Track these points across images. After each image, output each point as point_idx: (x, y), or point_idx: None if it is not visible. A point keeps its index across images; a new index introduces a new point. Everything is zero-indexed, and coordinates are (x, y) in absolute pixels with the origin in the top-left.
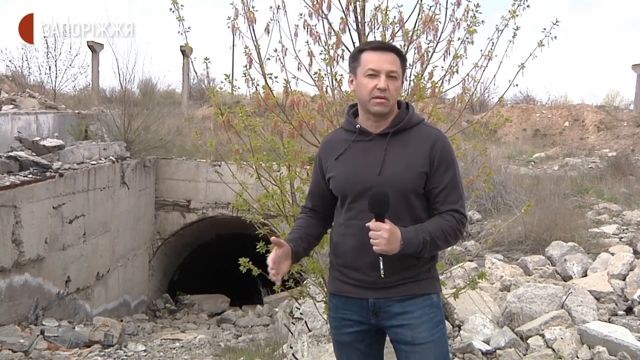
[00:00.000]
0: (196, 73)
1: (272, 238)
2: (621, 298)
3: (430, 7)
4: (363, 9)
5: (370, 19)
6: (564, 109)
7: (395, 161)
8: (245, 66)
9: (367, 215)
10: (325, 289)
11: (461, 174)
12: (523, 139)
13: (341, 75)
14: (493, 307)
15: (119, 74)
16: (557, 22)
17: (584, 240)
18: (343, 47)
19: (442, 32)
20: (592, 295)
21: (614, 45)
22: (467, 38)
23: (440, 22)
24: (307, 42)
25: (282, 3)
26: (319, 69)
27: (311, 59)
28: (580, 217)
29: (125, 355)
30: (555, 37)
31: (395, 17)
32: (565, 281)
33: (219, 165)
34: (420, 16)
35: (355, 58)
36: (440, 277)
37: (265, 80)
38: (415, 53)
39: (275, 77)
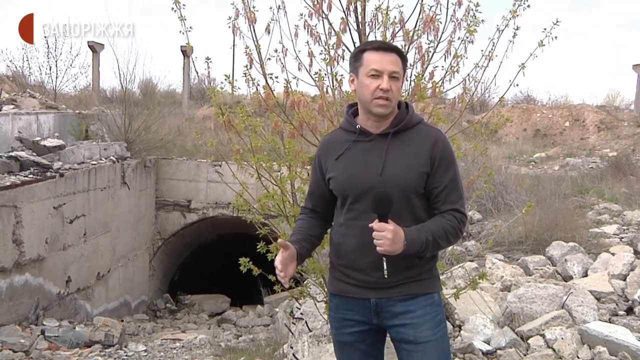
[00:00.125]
0: (197, 73)
1: (279, 240)
2: (622, 298)
3: (431, 7)
4: (364, 9)
5: (371, 19)
6: (564, 109)
7: (396, 161)
8: (246, 66)
9: (368, 215)
10: (326, 289)
11: (461, 174)
12: (523, 139)
13: (341, 75)
14: (493, 307)
15: (120, 74)
16: (557, 22)
17: (585, 241)
18: (343, 47)
19: (442, 33)
20: (593, 295)
21: (614, 45)
22: (468, 37)
23: (440, 23)
24: (308, 42)
25: (282, 3)
26: (320, 69)
27: (311, 59)
28: (581, 217)
29: (126, 355)
30: (555, 37)
31: (395, 17)
32: (566, 281)
33: (220, 166)
34: (420, 16)
35: (357, 58)
36: (441, 277)
37: (266, 80)
38: (416, 53)
39: (276, 77)
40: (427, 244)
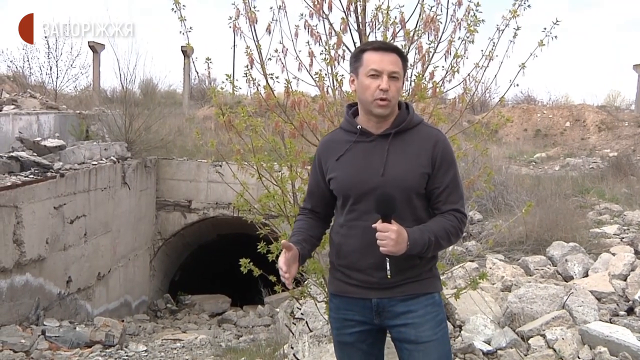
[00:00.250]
0: (197, 73)
1: (283, 242)
2: (622, 298)
3: (432, 7)
4: (364, 9)
5: (372, 19)
6: (565, 109)
7: (397, 162)
8: (247, 66)
9: (370, 216)
10: (326, 290)
11: (461, 174)
12: (524, 139)
13: (342, 75)
14: (494, 308)
15: (120, 74)
16: (557, 21)
17: (585, 241)
18: (344, 48)
19: (443, 33)
20: (593, 295)
21: (615, 45)
22: (468, 37)
23: (441, 23)
24: (308, 42)
25: (283, 3)
26: (320, 69)
27: (312, 59)
28: (581, 217)
29: (127, 356)
30: (555, 36)
31: (396, 17)
32: (566, 281)
33: (220, 166)
34: (421, 16)
35: (357, 58)
36: (442, 278)
37: (267, 81)
38: (416, 53)
39: (277, 77)
40: (430, 244)
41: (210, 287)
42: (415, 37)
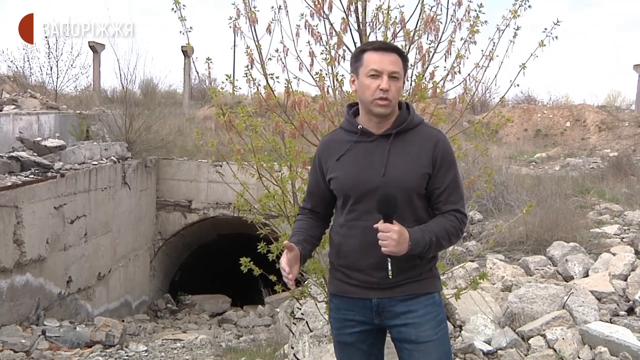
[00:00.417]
0: (198, 73)
1: (285, 242)
2: (623, 298)
3: (432, 7)
4: (364, 9)
5: (372, 19)
6: (565, 109)
7: (398, 162)
8: (247, 66)
9: (371, 216)
10: (326, 290)
11: (462, 174)
12: (524, 139)
13: (342, 75)
14: (494, 308)
15: (120, 74)
16: (558, 22)
17: (585, 241)
18: (344, 48)
19: (443, 33)
20: (594, 295)
21: (615, 45)
22: (470, 38)
23: (441, 23)
24: (309, 42)
25: (283, 3)
26: (321, 69)
27: (312, 59)
28: (582, 217)
29: (127, 356)
30: (556, 37)
31: (396, 17)
32: (567, 281)
33: (220, 166)
34: (421, 16)
35: (357, 58)
36: (442, 278)
37: (267, 81)
38: (416, 53)
39: (277, 77)
40: (431, 245)
41: (210, 287)
42: (416, 37)
